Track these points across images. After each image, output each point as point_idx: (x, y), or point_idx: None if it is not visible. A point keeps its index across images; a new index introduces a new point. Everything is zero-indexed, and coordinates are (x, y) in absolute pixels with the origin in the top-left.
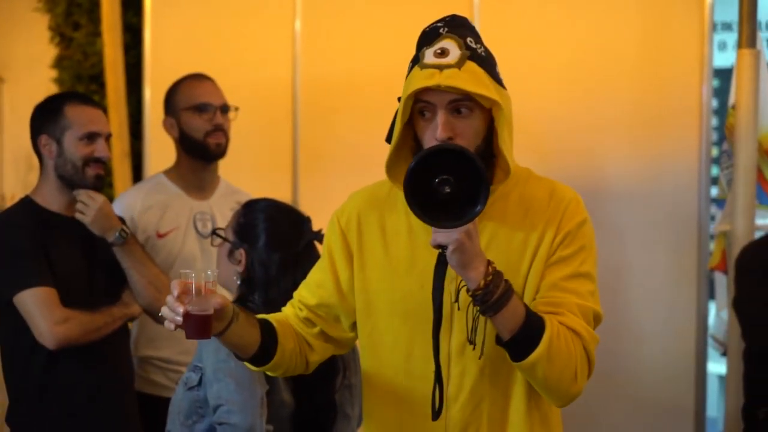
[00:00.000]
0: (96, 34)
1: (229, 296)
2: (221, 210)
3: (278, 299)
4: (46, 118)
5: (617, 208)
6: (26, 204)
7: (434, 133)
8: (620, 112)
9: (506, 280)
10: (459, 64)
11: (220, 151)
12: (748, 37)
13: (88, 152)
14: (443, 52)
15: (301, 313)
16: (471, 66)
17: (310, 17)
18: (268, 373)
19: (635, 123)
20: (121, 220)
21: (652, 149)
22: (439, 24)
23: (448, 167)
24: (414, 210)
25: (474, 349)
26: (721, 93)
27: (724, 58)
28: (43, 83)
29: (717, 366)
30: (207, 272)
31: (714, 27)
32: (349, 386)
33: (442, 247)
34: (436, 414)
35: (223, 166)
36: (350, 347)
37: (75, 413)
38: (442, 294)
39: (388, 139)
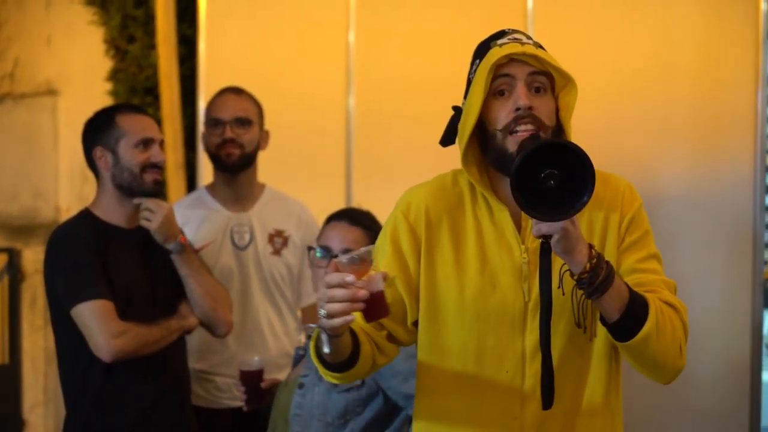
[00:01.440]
0: (151, 46)
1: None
2: (264, 220)
3: None
4: (98, 130)
5: (672, 216)
6: (85, 216)
7: (513, 104)
8: (675, 119)
9: (608, 261)
10: (535, 46)
11: (232, 162)
12: None
13: (144, 158)
14: (516, 39)
15: None
16: (543, 51)
17: (364, 28)
18: (342, 379)
19: (690, 130)
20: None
21: (706, 156)
22: (501, 30)
23: (550, 158)
24: (522, 205)
25: (585, 332)
26: None
27: None
28: (98, 96)
29: None
30: (363, 249)
31: None
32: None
33: (545, 237)
34: (548, 403)
35: (278, 176)
36: (412, 344)
37: (132, 426)
38: (551, 282)
39: (443, 142)
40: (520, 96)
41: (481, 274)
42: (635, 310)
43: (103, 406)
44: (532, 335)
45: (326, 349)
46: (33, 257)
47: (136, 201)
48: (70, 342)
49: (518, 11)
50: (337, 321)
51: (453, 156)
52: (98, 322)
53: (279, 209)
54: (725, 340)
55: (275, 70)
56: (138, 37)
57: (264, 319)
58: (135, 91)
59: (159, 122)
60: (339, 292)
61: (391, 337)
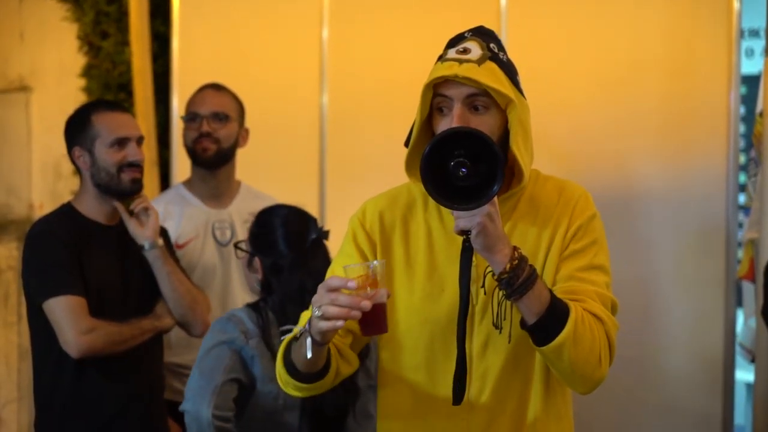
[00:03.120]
0: (124, 43)
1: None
2: (242, 216)
3: (293, 298)
4: (76, 130)
5: (644, 216)
6: (66, 211)
7: (448, 125)
8: (647, 119)
9: (531, 264)
10: (479, 62)
11: (208, 157)
12: None
13: (120, 158)
14: (465, 51)
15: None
16: (490, 65)
17: (337, 25)
18: (307, 390)
19: (663, 130)
20: (164, 231)
21: (679, 156)
22: (465, 31)
23: (462, 152)
24: (431, 193)
25: (501, 333)
26: (749, 100)
27: (751, 65)
28: (71, 92)
29: (745, 374)
30: (375, 262)
31: (741, 34)
32: (372, 386)
33: (465, 233)
34: (459, 399)
35: (250, 173)
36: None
37: (102, 424)
38: (470, 280)
39: (407, 143)
40: (454, 118)
41: (429, 279)
42: (553, 317)
43: (72, 407)
44: (479, 338)
45: (309, 354)
46: (5, 254)
47: (116, 204)
48: (42, 338)
49: (492, 11)
50: (327, 324)
51: None
52: (68, 318)
53: (254, 205)
54: (699, 338)
55: (248, 67)
56: (111, 34)
57: None
58: (108, 87)
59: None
60: (344, 297)
61: (353, 345)
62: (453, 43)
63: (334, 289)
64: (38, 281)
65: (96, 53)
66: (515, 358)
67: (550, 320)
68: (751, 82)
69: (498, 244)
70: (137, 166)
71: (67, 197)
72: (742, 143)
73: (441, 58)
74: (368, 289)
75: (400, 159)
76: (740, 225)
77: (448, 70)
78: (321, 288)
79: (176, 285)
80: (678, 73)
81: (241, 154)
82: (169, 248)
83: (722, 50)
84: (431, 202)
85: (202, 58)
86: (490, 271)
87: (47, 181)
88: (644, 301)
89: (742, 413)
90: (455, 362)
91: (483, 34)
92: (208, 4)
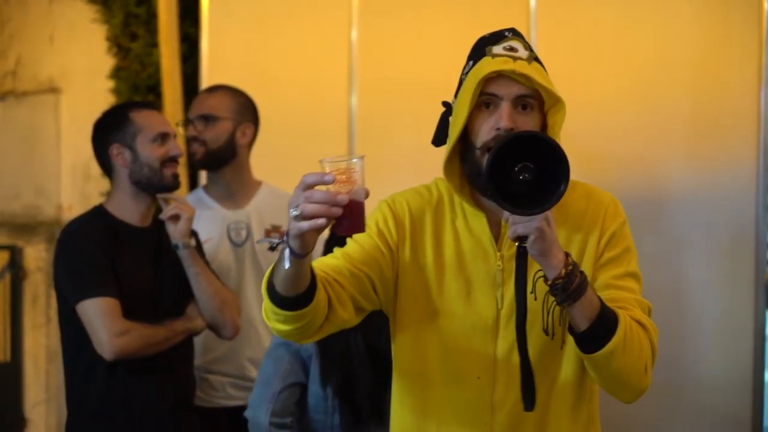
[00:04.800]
0: (153, 44)
1: None
2: (261, 216)
3: None
4: (113, 127)
5: (673, 216)
6: (98, 213)
7: (495, 124)
8: (677, 118)
9: (582, 271)
10: (528, 60)
11: (197, 160)
12: None
13: (163, 152)
14: (512, 49)
15: (356, 271)
16: (537, 66)
17: (366, 26)
18: (293, 324)
19: (693, 129)
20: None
21: (709, 155)
22: (502, 30)
23: (521, 155)
24: (496, 198)
25: (553, 338)
26: None
27: None
28: (100, 94)
29: None
30: (353, 158)
31: None
32: None
33: (521, 239)
34: (531, 403)
35: (279, 174)
36: (359, 320)
37: (133, 425)
38: (526, 286)
39: (435, 142)
40: (503, 116)
41: (456, 280)
42: (604, 323)
43: (104, 408)
44: (504, 342)
45: (286, 264)
46: (35, 255)
47: (160, 197)
48: (74, 339)
49: (521, 12)
50: (307, 224)
51: None
52: (102, 320)
53: (275, 205)
54: (728, 341)
55: (277, 68)
56: (140, 35)
57: (258, 315)
58: (137, 89)
59: None
60: (318, 193)
61: (356, 302)
62: (493, 40)
63: (310, 186)
64: (72, 282)
65: (125, 55)
66: (542, 363)
67: (601, 326)
68: None
69: (554, 249)
70: (177, 162)
71: (96, 199)
72: None
73: (486, 55)
74: (346, 185)
75: (429, 160)
76: None
77: (504, 64)
78: (297, 188)
79: (205, 286)
80: (708, 75)
81: (269, 155)
82: (200, 250)
83: (753, 51)
84: (457, 202)
85: (231, 60)
86: (540, 277)
87: (76, 183)
88: (674, 302)
89: None
90: (519, 369)
91: (519, 35)
92: (237, 6)
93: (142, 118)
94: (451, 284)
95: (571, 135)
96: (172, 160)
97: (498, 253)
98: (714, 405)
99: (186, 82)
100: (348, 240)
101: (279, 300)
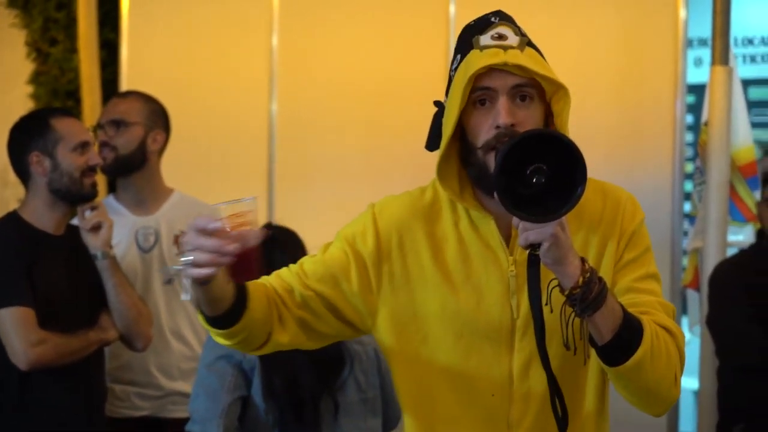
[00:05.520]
0: (73, 50)
1: None
2: (171, 223)
3: None
4: (32, 134)
5: None
6: (13, 220)
7: (493, 121)
8: (596, 128)
9: (600, 277)
10: (521, 47)
11: (107, 165)
12: (720, 54)
13: (83, 161)
14: (501, 36)
15: (306, 292)
16: (531, 51)
17: (287, 32)
18: (226, 340)
19: (610, 138)
20: None
21: (626, 164)
22: (488, 15)
23: (533, 156)
24: (507, 205)
25: (576, 353)
26: (698, 109)
27: (700, 74)
28: (19, 99)
29: (691, 381)
30: (247, 199)
31: (690, 43)
32: (366, 400)
33: (533, 247)
34: (565, 424)
35: (199, 180)
36: (322, 344)
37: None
38: (541, 297)
39: (429, 146)
40: (501, 113)
41: (463, 289)
42: (629, 332)
43: (17, 418)
44: (521, 355)
45: (185, 296)
46: None
47: (81, 208)
48: None
49: (441, 20)
50: (197, 272)
51: (381, 160)
52: (17, 329)
53: (186, 212)
54: None
55: (198, 74)
56: (60, 41)
57: (166, 322)
58: (56, 94)
59: None
60: (208, 242)
61: (305, 324)
62: (479, 29)
63: (202, 232)
64: None
65: (44, 60)
66: (563, 379)
67: (626, 336)
68: (701, 91)
69: (569, 256)
70: (95, 171)
71: (14, 205)
72: (689, 152)
73: (474, 48)
74: (241, 228)
75: (348, 165)
76: (685, 233)
77: (495, 57)
78: (189, 230)
79: (123, 297)
80: (626, 82)
81: (190, 159)
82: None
83: (669, 59)
84: (460, 206)
85: (150, 66)
86: (555, 286)
87: None
88: None
89: (688, 421)
90: (548, 384)
91: (507, 18)
92: (157, 12)
93: (63, 126)
94: (459, 293)
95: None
96: (92, 169)
97: (510, 258)
98: (629, 410)
99: (106, 88)
100: (321, 250)
101: (204, 317)
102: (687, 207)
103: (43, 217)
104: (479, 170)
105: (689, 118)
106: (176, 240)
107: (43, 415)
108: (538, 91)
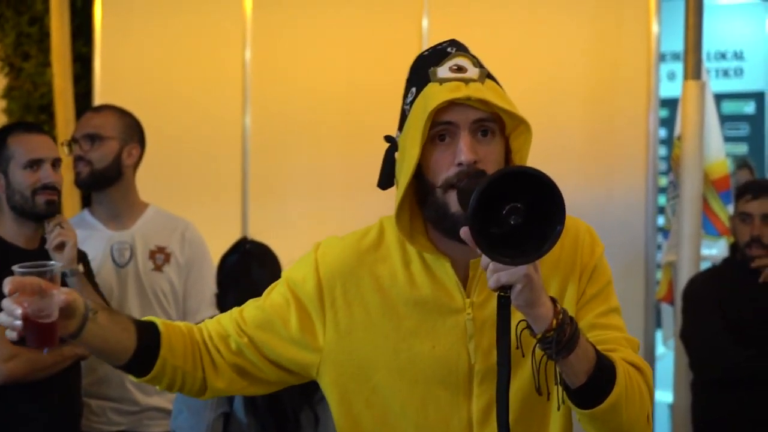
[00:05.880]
0: (46, 64)
1: None
2: (146, 237)
3: None
4: None
5: None
6: None
7: (455, 158)
8: (569, 141)
9: (572, 316)
10: (481, 80)
11: (81, 180)
12: (693, 69)
13: (33, 180)
14: (460, 69)
15: (241, 339)
16: (491, 84)
17: (260, 45)
18: (152, 384)
19: (583, 152)
20: (84, 254)
21: (599, 178)
22: (443, 44)
23: (507, 194)
24: (483, 246)
25: (549, 399)
26: (672, 123)
27: (673, 88)
28: None
29: (665, 395)
30: (50, 264)
31: (664, 57)
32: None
33: (504, 289)
34: None
35: (173, 194)
36: (268, 390)
37: None
38: (510, 343)
39: (381, 184)
40: (463, 150)
41: (416, 334)
42: (603, 373)
43: None
44: (480, 401)
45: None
46: None
47: (46, 226)
48: None
49: (413, 32)
50: (7, 332)
51: (356, 173)
52: None
53: (161, 227)
54: None
55: (171, 88)
56: (32, 55)
57: None
58: (29, 108)
59: (54, 141)
60: (5, 303)
61: (242, 371)
62: (435, 60)
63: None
64: None
65: (17, 74)
66: (528, 424)
67: (600, 377)
68: (673, 105)
69: (542, 297)
70: (52, 189)
71: None
72: (662, 166)
73: (431, 80)
74: (34, 296)
75: (323, 178)
76: (659, 247)
77: (457, 91)
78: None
79: None
80: (599, 96)
81: (163, 175)
82: (88, 272)
83: (642, 73)
84: (410, 247)
85: (124, 79)
86: (524, 328)
87: None
88: None
89: None
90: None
91: (464, 48)
92: (130, 25)
93: (16, 143)
94: (411, 339)
95: None
96: (45, 188)
97: (467, 300)
98: None
99: (79, 102)
100: (265, 294)
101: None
102: (661, 221)
103: (12, 231)
104: (437, 210)
105: (662, 132)
106: (152, 255)
107: (19, 429)
108: (498, 125)
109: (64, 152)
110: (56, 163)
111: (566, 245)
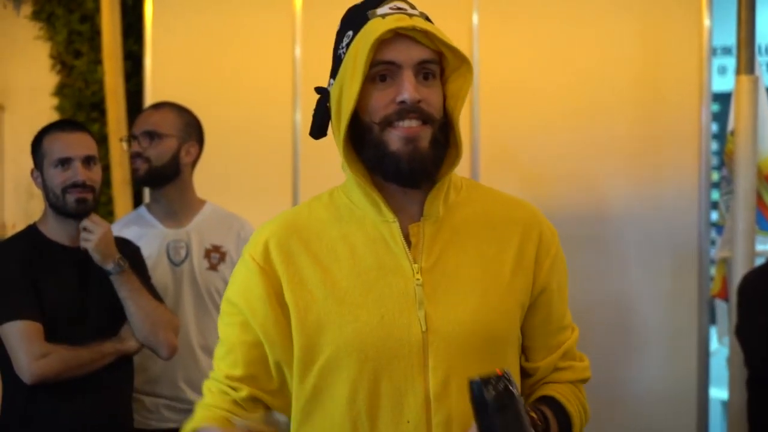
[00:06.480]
0: (97, 62)
1: None
2: (201, 236)
3: None
4: (32, 151)
5: (617, 234)
6: (30, 233)
7: (395, 97)
8: (620, 137)
9: (547, 419)
10: (422, 18)
11: (139, 177)
12: (746, 63)
13: (63, 179)
14: (400, 9)
15: (240, 393)
16: (433, 25)
17: (310, 42)
18: None
19: (635, 148)
20: (129, 245)
21: (652, 174)
22: None
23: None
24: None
25: None
26: (722, 117)
27: (724, 83)
28: (44, 111)
29: (720, 392)
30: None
31: (714, 51)
32: None
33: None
34: None
35: (223, 191)
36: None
37: None
38: None
39: (313, 133)
40: (408, 88)
41: (363, 306)
42: None
43: (27, 426)
44: (437, 374)
45: None
46: None
47: (81, 225)
48: (3, 359)
49: (464, 29)
50: None
51: None
52: (22, 343)
53: (217, 225)
54: (672, 358)
55: (221, 85)
56: (84, 53)
57: (195, 336)
58: (81, 106)
59: (105, 138)
60: None
61: (271, 409)
62: (374, 4)
63: None
64: None
65: (69, 72)
66: None
67: None
68: (725, 99)
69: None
70: (83, 187)
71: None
72: (714, 161)
73: (370, 19)
74: None
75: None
76: (712, 243)
77: (401, 21)
78: None
79: (134, 310)
80: (650, 92)
81: (214, 172)
82: (142, 269)
83: (694, 68)
84: (348, 217)
85: (174, 77)
86: None
87: (20, 201)
88: (618, 320)
89: (717, 431)
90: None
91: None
92: (180, 23)
93: (49, 142)
94: (357, 311)
95: (513, 153)
96: (75, 186)
97: (415, 266)
98: (659, 422)
99: (130, 100)
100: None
101: None
102: (714, 216)
103: (55, 229)
104: (377, 148)
105: (714, 127)
106: (207, 253)
107: (51, 427)
108: (439, 69)
109: (121, 148)
110: (89, 160)
111: (524, 222)
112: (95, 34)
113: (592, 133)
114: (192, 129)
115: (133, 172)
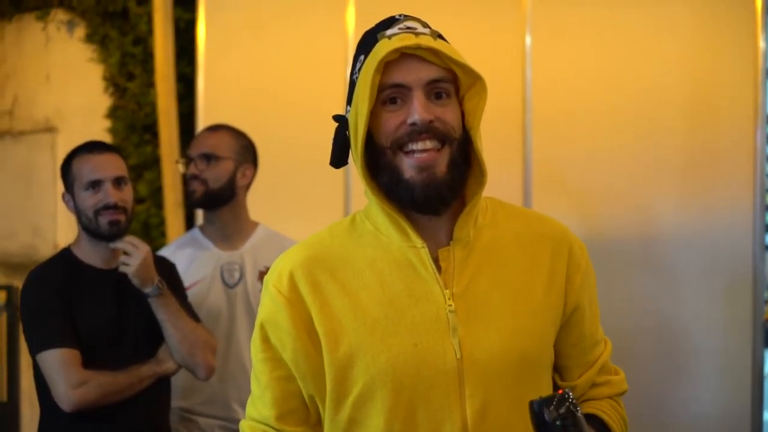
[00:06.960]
0: (150, 84)
1: None
2: (255, 258)
3: None
4: (62, 175)
5: (670, 256)
6: (64, 256)
7: (405, 119)
8: (672, 158)
9: None
10: (433, 36)
11: (195, 199)
12: None
13: (94, 201)
14: (410, 28)
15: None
16: (445, 43)
17: None
18: None
19: (688, 169)
20: (164, 263)
21: (705, 195)
22: (390, 16)
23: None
24: None
25: None
26: None
27: None
28: (97, 133)
29: None
30: None
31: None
32: None
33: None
34: None
35: (276, 210)
36: None
37: None
38: None
39: (333, 163)
40: (417, 109)
41: (394, 334)
42: None
43: None
44: (475, 400)
45: None
46: None
47: (111, 246)
48: (42, 386)
49: (517, 49)
50: None
51: None
52: (59, 371)
53: (271, 247)
54: (726, 382)
55: (274, 107)
56: (137, 75)
57: (249, 357)
58: (134, 128)
59: (157, 160)
60: None
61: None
62: (385, 25)
63: None
64: (30, 333)
65: (121, 94)
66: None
67: None
68: None
69: None
70: (115, 208)
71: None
72: None
73: (380, 40)
74: None
75: None
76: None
77: (406, 41)
78: None
79: (171, 332)
80: (702, 112)
81: (266, 192)
82: (178, 287)
83: (748, 88)
84: (373, 243)
85: (226, 99)
86: None
87: (72, 222)
88: (670, 343)
89: None
90: None
91: (414, 17)
92: (233, 45)
93: (78, 165)
94: (389, 340)
95: (562, 170)
96: (107, 207)
97: (447, 291)
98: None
99: (182, 122)
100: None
101: None
102: None
103: (89, 252)
104: (391, 174)
105: None
106: (261, 275)
107: None
108: (453, 87)
109: (174, 170)
110: (119, 181)
111: (552, 239)
112: (148, 57)
113: (644, 154)
114: (248, 152)
115: (190, 194)
